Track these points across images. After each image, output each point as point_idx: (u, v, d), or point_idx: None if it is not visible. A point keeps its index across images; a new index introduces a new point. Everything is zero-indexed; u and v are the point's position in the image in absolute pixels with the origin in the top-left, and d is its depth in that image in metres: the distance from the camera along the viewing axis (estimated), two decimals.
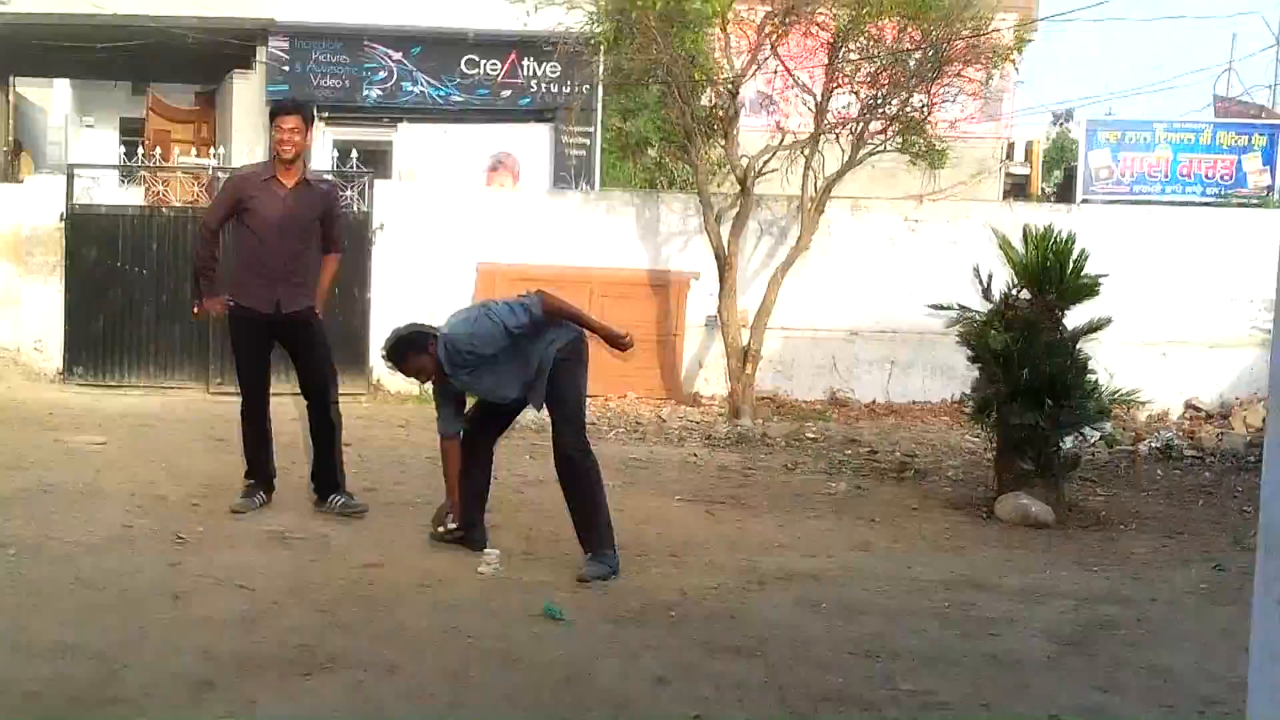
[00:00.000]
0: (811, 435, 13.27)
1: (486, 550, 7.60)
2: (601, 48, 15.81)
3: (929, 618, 6.78)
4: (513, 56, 20.79)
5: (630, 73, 16.02)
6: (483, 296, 15.34)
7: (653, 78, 15.68)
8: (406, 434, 12.57)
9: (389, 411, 14.17)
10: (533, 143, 21.10)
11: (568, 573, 7.32)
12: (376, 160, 18.78)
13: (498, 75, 20.97)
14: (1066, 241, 9.91)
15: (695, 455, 12.16)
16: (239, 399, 8.71)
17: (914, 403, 15.55)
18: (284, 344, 8.53)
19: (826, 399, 15.71)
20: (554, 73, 20.56)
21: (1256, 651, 3.06)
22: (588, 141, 21.13)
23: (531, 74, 20.89)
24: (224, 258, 8.82)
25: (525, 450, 11.65)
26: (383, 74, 20.84)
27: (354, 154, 16.59)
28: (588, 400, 8.06)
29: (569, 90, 20.53)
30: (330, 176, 16.25)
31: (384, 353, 7.77)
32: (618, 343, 7.64)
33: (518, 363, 7.51)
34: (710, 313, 15.44)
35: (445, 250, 15.81)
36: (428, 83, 20.88)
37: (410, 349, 7.61)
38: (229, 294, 8.41)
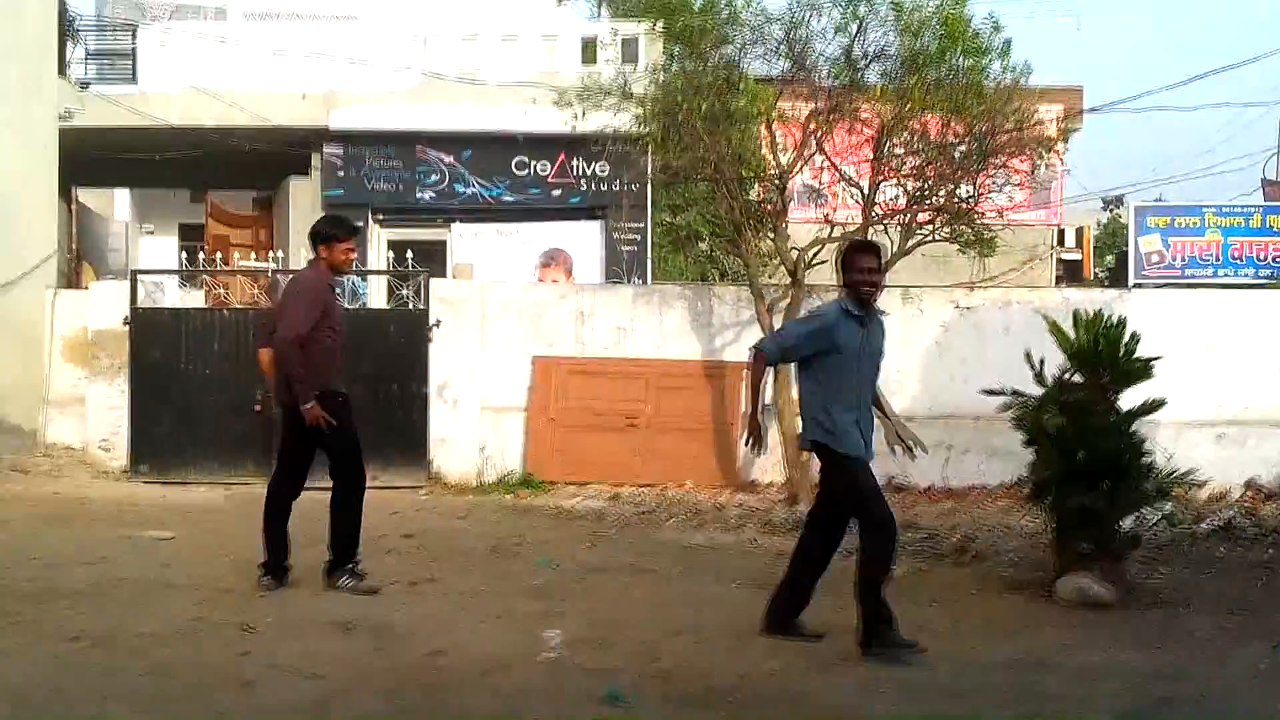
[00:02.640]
0: None
1: (547, 633, 7.72)
2: (649, 147, 16.05)
3: (991, 697, 6.79)
4: (562, 156, 21.17)
5: (678, 170, 16.27)
6: (539, 388, 15.58)
7: (700, 175, 15.90)
8: (467, 525, 12.69)
9: (448, 502, 14.30)
10: (584, 239, 21.41)
11: (630, 656, 7.38)
12: (431, 258, 19.09)
13: (548, 174, 21.36)
14: (1118, 325, 9.95)
15: (754, 541, 12.20)
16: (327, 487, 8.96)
17: (971, 486, 15.49)
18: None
19: (884, 483, 15.57)
20: (603, 171, 20.92)
21: None
22: (638, 236, 21.42)
23: (581, 172, 21.26)
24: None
25: (585, 539, 11.80)
26: (435, 176, 21.27)
27: (409, 253, 16.86)
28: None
29: (619, 187, 20.83)
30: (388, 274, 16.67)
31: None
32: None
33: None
34: (765, 401, 15.48)
35: (500, 344, 16.00)
36: (479, 183, 21.29)
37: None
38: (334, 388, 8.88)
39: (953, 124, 15.23)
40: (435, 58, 20.77)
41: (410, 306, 16.07)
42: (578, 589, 9.52)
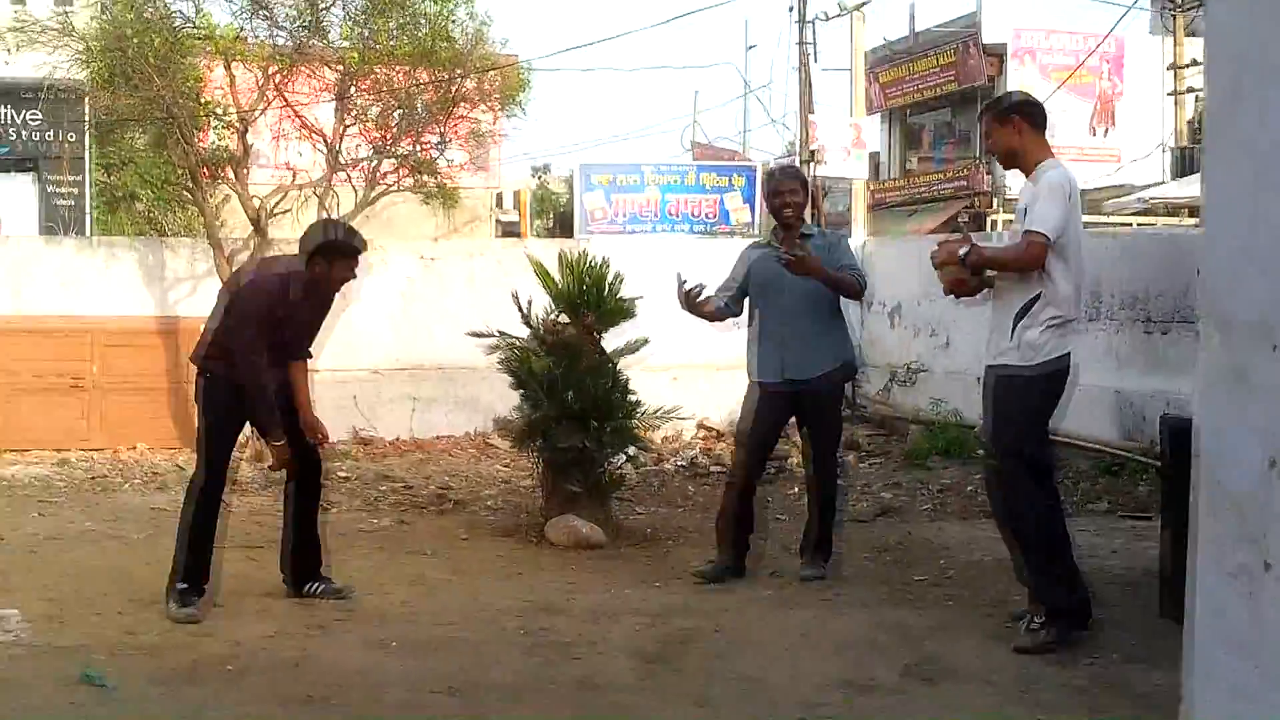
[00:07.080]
0: (342, 474, 12.79)
1: (4, 613, 6.87)
2: (88, 93, 14.85)
3: (507, 647, 6.55)
4: None
5: (126, 112, 15.05)
6: None
7: (151, 118, 14.81)
8: None
9: None
10: (15, 193, 19.82)
11: (103, 632, 6.65)
12: None
13: None
14: (601, 266, 10.02)
15: (224, 501, 11.45)
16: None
17: (438, 437, 15.32)
18: None
19: (350, 438, 15.18)
20: (36, 119, 19.38)
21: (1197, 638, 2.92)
22: (76, 191, 20.04)
23: (11, 120, 19.62)
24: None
25: (33, 508, 10.72)
26: None
27: None
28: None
29: (55, 138, 19.42)
30: None
31: None
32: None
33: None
34: None
35: None
36: None
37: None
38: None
39: (417, 72, 15.00)
40: None
41: None
42: (31, 561, 8.56)
